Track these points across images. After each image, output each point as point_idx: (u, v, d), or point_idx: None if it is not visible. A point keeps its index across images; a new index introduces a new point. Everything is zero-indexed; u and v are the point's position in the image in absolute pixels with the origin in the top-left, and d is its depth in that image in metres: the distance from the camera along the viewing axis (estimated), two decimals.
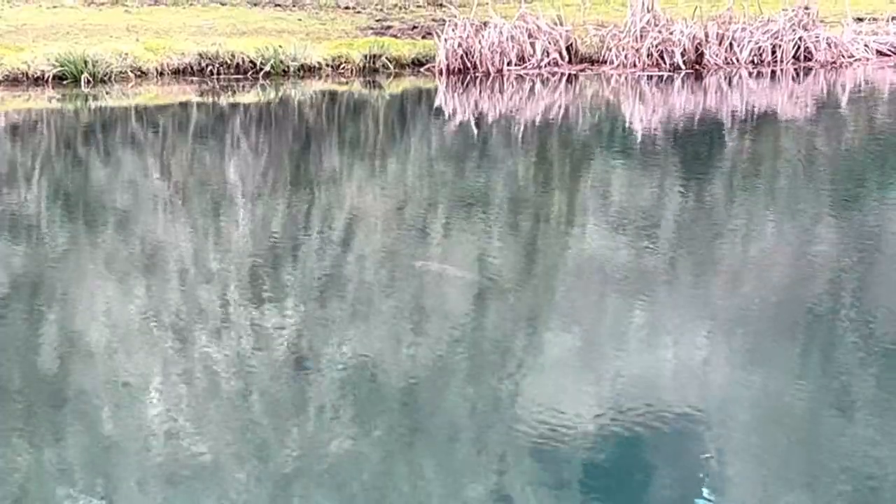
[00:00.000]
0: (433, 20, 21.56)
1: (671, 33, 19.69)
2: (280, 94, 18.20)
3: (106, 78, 18.06)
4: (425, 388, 7.48)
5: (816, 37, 20.25)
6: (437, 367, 7.79)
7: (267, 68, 18.76)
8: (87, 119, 16.57)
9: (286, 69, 18.87)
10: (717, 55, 19.79)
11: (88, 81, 17.88)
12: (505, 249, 10.32)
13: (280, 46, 19.06)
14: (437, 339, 8.24)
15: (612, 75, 19.49)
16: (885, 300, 9.03)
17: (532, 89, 18.77)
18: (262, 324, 8.54)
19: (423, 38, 20.36)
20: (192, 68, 18.67)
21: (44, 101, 17.41)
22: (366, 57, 19.37)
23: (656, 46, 19.65)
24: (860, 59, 20.54)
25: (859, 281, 9.51)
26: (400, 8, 23.11)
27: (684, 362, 7.84)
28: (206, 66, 18.71)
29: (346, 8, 22.95)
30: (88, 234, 11.02)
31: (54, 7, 21.87)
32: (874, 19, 21.91)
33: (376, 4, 23.19)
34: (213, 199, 12.10)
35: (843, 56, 20.43)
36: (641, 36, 19.68)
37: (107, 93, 17.80)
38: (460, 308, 8.86)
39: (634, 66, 19.63)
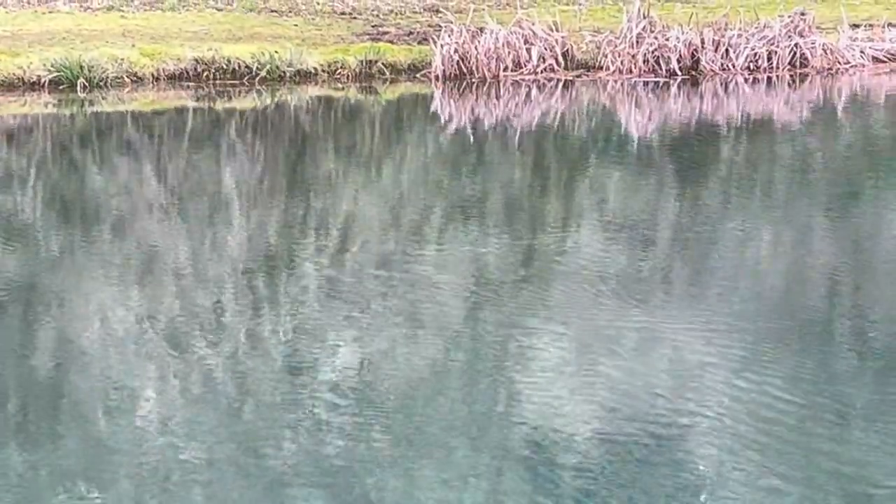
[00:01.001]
0: (429, 26, 21.57)
1: (667, 39, 19.71)
2: (276, 99, 18.20)
3: (102, 83, 18.06)
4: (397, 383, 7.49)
5: (812, 43, 20.27)
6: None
7: (263, 74, 18.77)
8: (83, 124, 16.57)
9: (282, 75, 18.88)
10: (713, 61, 19.80)
11: (85, 87, 17.88)
12: (496, 255, 10.31)
13: (276, 52, 19.06)
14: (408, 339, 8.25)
15: (608, 81, 19.50)
16: (878, 311, 9.03)
17: (528, 95, 18.78)
18: (255, 327, 8.55)
19: (419, 43, 20.37)
20: (188, 73, 18.68)
21: (40, 106, 17.40)
22: (362, 62, 19.37)
23: (652, 53, 19.66)
24: (856, 66, 20.56)
25: (855, 290, 9.52)
26: (396, 14, 23.13)
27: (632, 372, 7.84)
28: (202, 71, 18.71)
29: (342, 14, 22.96)
30: (81, 239, 11.01)
31: (50, 12, 21.87)
32: (870, 26, 21.94)
33: (372, 10, 23.20)
34: (207, 205, 12.10)
35: (838, 62, 20.46)
36: (637, 42, 19.69)
37: (103, 98, 17.80)
38: (446, 311, 8.86)
39: (630, 72, 19.65)
